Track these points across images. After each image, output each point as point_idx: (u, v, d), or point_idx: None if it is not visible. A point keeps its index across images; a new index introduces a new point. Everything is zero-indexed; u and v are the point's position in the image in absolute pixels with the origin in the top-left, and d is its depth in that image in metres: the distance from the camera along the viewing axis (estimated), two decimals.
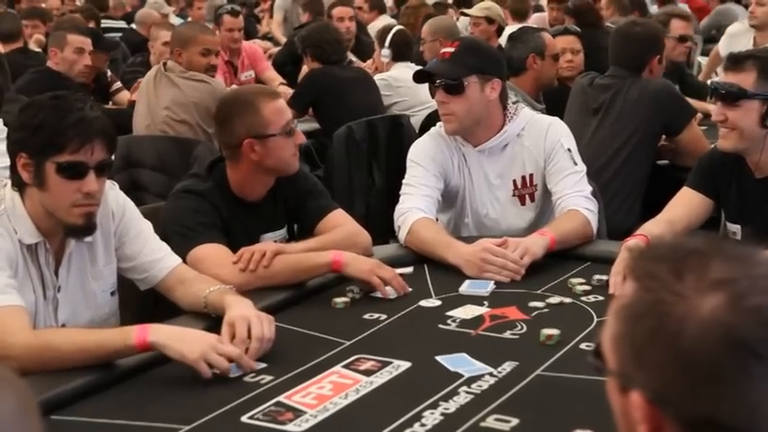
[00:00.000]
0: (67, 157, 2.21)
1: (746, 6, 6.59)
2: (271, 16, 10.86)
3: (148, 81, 4.79)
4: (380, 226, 3.63)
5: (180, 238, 2.63)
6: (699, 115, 4.38)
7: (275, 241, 2.83)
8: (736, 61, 2.88)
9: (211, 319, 2.34)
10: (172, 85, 4.67)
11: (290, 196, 2.91)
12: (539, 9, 9.00)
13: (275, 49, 8.02)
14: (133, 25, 9.27)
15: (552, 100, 4.62)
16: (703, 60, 7.66)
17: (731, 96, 2.82)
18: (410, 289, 2.63)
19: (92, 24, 8.07)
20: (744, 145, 2.86)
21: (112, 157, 2.33)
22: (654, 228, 2.82)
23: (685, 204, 2.97)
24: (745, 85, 2.81)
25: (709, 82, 3.06)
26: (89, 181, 2.24)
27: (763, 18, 6.20)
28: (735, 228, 2.98)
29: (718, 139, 2.91)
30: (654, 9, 8.57)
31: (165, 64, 4.79)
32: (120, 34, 8.57)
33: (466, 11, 6.91)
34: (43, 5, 9.84)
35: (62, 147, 2.20)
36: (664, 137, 4.15)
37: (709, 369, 0.96)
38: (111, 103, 5.91)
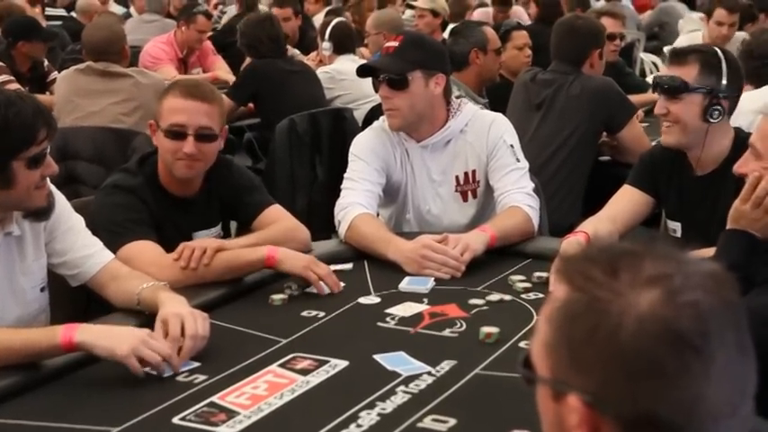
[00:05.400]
0: (35, 149, 2.18)
1: (691, 7, 6.50)
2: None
3: (73, 75, 4.68)
4: (323, 221, 3.59)
5: (109, 235, 2.56)
6: (640, 113, 4.40)
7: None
8: (679, 55, 2.88)
9: (144, 317, 2.28)
10: (122, 77, 4.58)
11: (224, 192, 2.85)
12: (483, 4, 9.03)
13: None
14: (73, 14, 9.10)
15: (495, 95, 4.61)
16: (646, 57, 7.71)
17: (673, 90, 2.83)
18: (343, 284, 2.59)
19: (37, 10, 7.93)
20: (686, 139, 2.85)
21: None
22: (595, 225, 2.82)
23: (626, 202, 2.97)
24: (687, 79, 2.81)
25: (650, 77, 3.06)
26: (49, 164, 2.24)
27: (730, 37, 6.12)
28: (675, 225, 2.99)
29: (662, 134, 2.90)
30: (599, 5, 8.62)
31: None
32: (60, 23, 8.41)
33: (411, 2, 6.89)
34: None
35: (32, 142, 2.17)
36: (605, 134, 4.17)
37: (649, 364, 0.94)
38: (48, 92, 5.78)
